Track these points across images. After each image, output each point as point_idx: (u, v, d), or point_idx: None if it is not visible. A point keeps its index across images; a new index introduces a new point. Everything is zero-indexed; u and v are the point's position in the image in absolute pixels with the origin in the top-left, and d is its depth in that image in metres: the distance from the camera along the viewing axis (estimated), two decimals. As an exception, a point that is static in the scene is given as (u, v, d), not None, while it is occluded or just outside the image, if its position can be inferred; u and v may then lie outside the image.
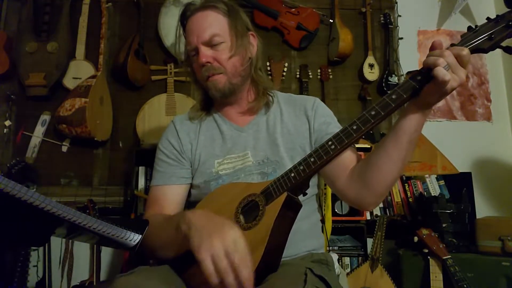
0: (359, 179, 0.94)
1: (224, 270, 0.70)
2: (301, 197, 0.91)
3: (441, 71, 0.73)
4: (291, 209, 0.88)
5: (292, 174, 0.88)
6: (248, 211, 0.91)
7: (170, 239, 0.90)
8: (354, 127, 0.84)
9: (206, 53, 1.05)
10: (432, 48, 0.80)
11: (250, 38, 1.13)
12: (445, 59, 0.74)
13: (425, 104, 0.81)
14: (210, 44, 1.05)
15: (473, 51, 0.79)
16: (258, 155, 1.07)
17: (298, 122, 1.11)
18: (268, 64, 2.32)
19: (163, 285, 0.81)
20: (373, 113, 0.82)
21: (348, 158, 0.98)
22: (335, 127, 1.08)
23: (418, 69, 0.81)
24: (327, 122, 1.10)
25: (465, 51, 0.75)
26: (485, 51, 0.80)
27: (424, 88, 0.78)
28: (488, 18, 0.81)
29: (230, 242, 0.73)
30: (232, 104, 1.15)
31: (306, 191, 0.93)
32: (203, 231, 0.76)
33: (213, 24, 1.06)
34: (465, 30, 0.83)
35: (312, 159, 0.87)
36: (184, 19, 1.12)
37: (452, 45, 0.79)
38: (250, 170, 1.05)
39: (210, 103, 1.18)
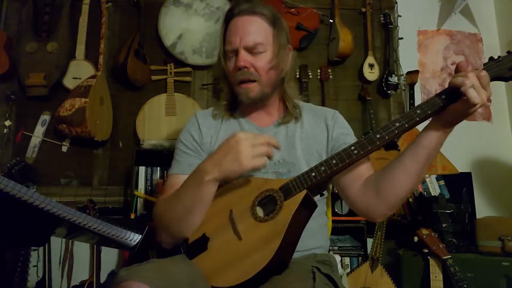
0: (372, 189, 0.96)
1: (266, 152, 0.91)
2: (317, 197, 0.95)
3: (473, 93, 0.77)
4: (308, 207, 0.91)
5: (313, 174, 0.91)
6: (265, 205, 0.94)
7: (194, 200, 0.96)
8: (378, 136, 0.88)
9: (245, 57, 1.05)
10: (457, 69, 0.85)
11: (288, 51, 1.15)
12: (470, 80, 0.78)
13: (447, 123, 0.85)
14: (252, 50, 1.06)
15: (494, 78, 0.85)
16: (274, 155, 1.08)
17: (317, 129, 1.14)
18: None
19: (183, 268, 0.84)
20: (397, 124, 0.87)
21: (363, 168, 1.00)
22: (352, 140, 1.11)
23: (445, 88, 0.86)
24: (345, 133, 1.13)
25: (483, 73, 0.80)
26: (506, 79, 0.87)
27: (449, 107, 0.83)
28: (508, 52, 0.88)
29: (248, 143, 0.89)
30: (258, 110, 1.17)
31: (324, 192, 0.97)
32: (228, 159, 0.90)
33: (259, 31, 1.07)
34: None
35: (334, 161, 0.91)
36: (230, 15, 1.11)
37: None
38: (265, 169, 1.07)
39: (236, 104, 1.20)
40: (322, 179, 0.91)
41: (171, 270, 0.81)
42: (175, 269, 0.82)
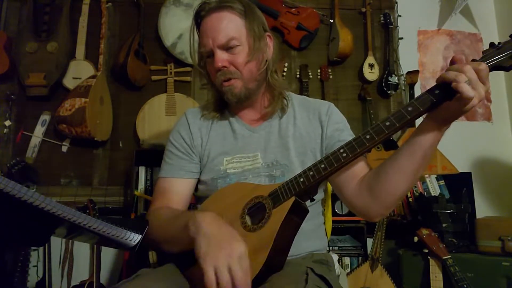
0: (368, 189, 0.93)
1: (225, 285, 0.71)
2: (307, 202, 0.91)
3: (466, 87, 0.70)
4: (298, 214, 0.87)
5: (301, 179, 0.87)
6: (254, 213, 0.91)
7: (177, 236, 0.90)
8: (368, 137, 0.82)
9: (222, 57, 1.01)
10: (452, 62, 0.78)
11: (267, 40, 1.09)
12: (466, 75, 0.72)
13: (442, 120, 0.79)
14: (226, 47, 1.01)
15: (494, 68, 0.77)
16: (267, 157, 1.06)
17: (311, 127, 1.10)
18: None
19: (174, 282, 0.82)
20: (387, 123, 0.81)
21: (358, 166, 0.97)
22: (348, 135, 1.07)
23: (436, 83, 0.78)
24: (340, 129, 1.09)
25: (483, 66, 0.73)
26: (507, 69, 0.78)
27: (443, 103, 0.76)
28: (511, 36, 0.79)
29: (236, 258, 0.73)
30: (247, 107, 1.13)
31: (314, 197, 0.93)
32: (211, 240, 0.77)
33: (229, 26, 1.02)
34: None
35: (322, 166, 0.86)
36: (198, 18, 1.08)
37: (473, 60, 0.77)
38: (258, 172, 1.05)
39: (224, 104, 1.16)
40: (311, 184, 0.86)
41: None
42: (162, 285, 0.80)
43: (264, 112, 1.12)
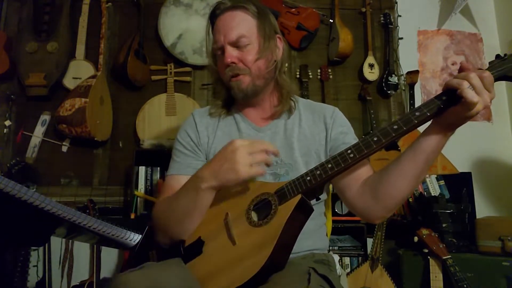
0: (370, 192, 0.94)
1: (263, 160, 0.89)
2: (313, 201, 0.92)
3: (470, 93, 0.73)
4: (303, 212, 0.89)
5: (308, 178, 0.89)
6: (260, 209, 0.92)
7: (191, 206, 0.96)
8: (375, 139, 0.85)
9: (231, 53, 1.05)
10: (460, 69, 0.81)
11: (277, 41, 1.13)
12: (471, 81, 0.74)
13: (448, 126, 0.82)
14: (237, 44, 1.06)
15: (499, 78, 0.80)
16: (272, 156, 1.08)
17: (315, 129, 1.13)
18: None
19: (176, 276, 0.82)
20: (395, 127, 0.83)
21: (362, 169, 0.98)
22: (352, 138, 1.10)
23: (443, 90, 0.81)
24: (344, 132, 1.11)
25: (487, 73, 0.76)
26: (511, 79, 0.81)
27: (449, 109, 0.79)
28: None
29: (245, 150, 0.88)
30: (254, 106, 1.16)
31: (320, 196, 0.95)
32: (225, 168, 0.90)
33: (241, 25, 1.06)
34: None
35: (329, 165, 0.88)
36: (213, 17, 1.12)
37: (480, 70, 0.79)
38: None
39: (232, 101, 1.18)
40: (318, 183, 0.88)
41: (162, 278, 0.80)
42: (167, 277, 0.81)
43: (274, 111, 1.15)
